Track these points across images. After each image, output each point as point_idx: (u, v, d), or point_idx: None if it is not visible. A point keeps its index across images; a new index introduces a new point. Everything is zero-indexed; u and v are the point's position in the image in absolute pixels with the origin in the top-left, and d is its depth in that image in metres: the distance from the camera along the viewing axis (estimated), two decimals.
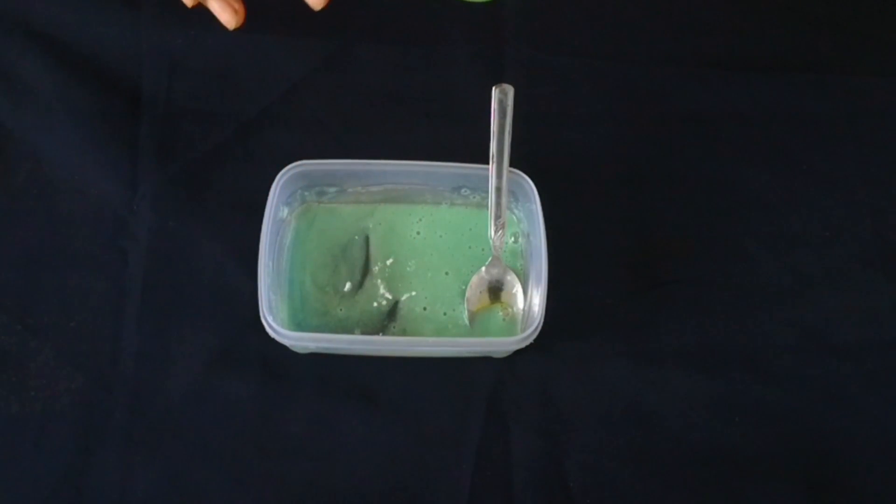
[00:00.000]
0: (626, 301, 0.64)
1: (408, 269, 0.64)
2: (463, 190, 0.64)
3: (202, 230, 0.65)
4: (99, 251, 0.64)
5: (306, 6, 0.72)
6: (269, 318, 0.56)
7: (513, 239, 0.65)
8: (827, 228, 0.67)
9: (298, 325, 0.62)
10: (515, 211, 0.64)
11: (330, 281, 0.63)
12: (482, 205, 0.64)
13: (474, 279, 0.63)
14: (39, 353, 0.61)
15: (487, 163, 0.60)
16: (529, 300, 0.61)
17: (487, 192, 0.60)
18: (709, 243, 0.67)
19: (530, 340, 0.57)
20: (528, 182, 0.60)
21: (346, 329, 0.62)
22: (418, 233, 0.65)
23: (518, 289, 0.62)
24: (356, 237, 0.64)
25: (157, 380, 0.61)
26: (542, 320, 0.57)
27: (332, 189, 0.64)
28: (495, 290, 0.63)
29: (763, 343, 0.64)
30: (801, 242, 0.67)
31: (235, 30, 0.57)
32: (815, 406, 0.62)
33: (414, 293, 0.63)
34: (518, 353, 0.61)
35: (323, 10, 0.53)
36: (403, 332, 0.62)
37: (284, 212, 0.62)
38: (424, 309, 0.63)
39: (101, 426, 0.60)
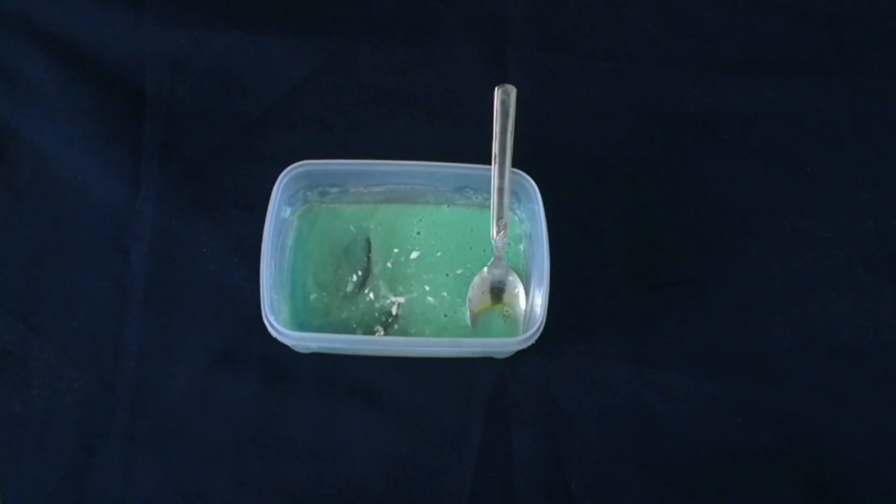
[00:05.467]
0: (628, 302, 0.64)
1: (409, 269, 0.64)
2: (465, 190, 0.64)
3: (204, 230, 0.65)
4: (102, 251, 0.64)
5: (308, 6, 0.72)
6: (271, 318, 0.56)
7: (515, 240, 0.65)
8: (829, 229, 0.67)
9: (300, 325, 0.62)
10: (517, 211, 0.64)
11: (332, 281, 0.63)
12: (484, 205, 0.64)
13: (476, 280, 0.63)
14: (42, 352, 0.61)
15: (490, 163, 0.60)
16: (531, 301, 0.61)
17: (489, 192, 0.60)
18: (710, 244, 0.67)
19: (532, 341, 0.57)
20: (530, 182, 0.60)
21: (347, 329, 0.62)
22: (419, 233, 0.65)
23: (520, 290, 0.62)
24: (358, 238, 0.64)
25: (159, 379, 0.61)
26: (544, 321, 0.57)
27: (335, 189, 0.64)
28: (497, 291, 0.63)
29: (765, 344, 0.64)
30: (802, 243, 0.67)
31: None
32: (817, 407, 0.62)
33: (415, 294, 0.63)
34: (519, 353, 0.62)
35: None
36: (405, 333, 0.62)
37: (287, 212, 0.62)
38: (426, 310, 0.63)
39: (104, 425, 0.60)
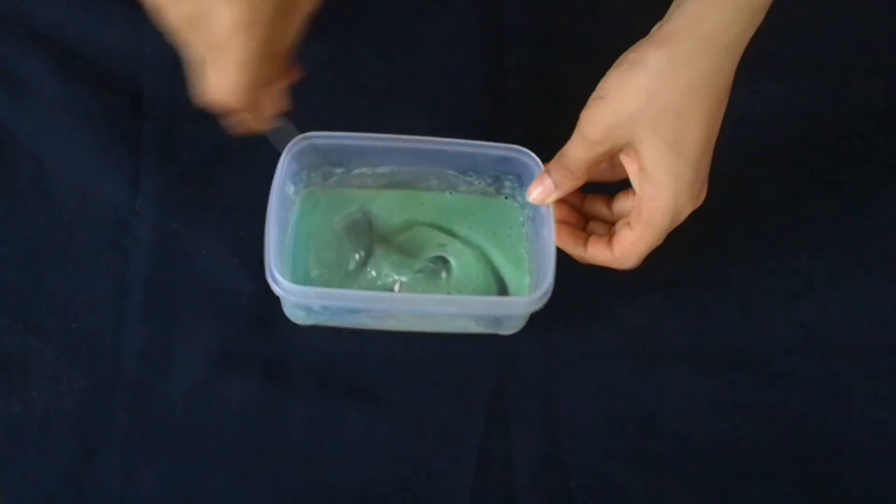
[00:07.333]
0: (628, 302, 0.64)
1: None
2: (469, 174, 0.63)
3: (204, 230, 0.65)
4: (101, 252, 0.64)
5: None
6: (276, 274, 0.54)
7: (517, 225, 0.65)
8: (829, 229, 0.67)
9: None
10: (518, 198, 0.64)
11: (334, 259, 0.63)
12: (486, 192, 0.65)
13: None
14: (41, 354, 0.61)
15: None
16: (537, 270, 0.61)
17: (493, 176, 0.62)
18: (710, 244, 0.67)
19: (541, 304, 0.56)
20: (534, 160, 0.59)
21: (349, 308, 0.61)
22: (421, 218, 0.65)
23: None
24: (360, 218, 0.64)
25: (159, 380, 0.61)
26: (553, 284, 0.56)
27: (338, 170, 0.63)
28: None
29: (765, 344, 0.64)
30: (802, 243, 0.67)
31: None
32: (818, 408, 0.62)
33: (417, 273, 0.63)
34: (520, 353, 0.62)
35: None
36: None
37: (291, 189, 0.62)
38: (427, 289, 0.62)
39: (103, 427, 0.59)
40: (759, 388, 0.63)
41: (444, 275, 0.63)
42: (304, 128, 0.68)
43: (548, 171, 0.57)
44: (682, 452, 0.61)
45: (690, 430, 0.61)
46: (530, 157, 0.60)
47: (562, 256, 0.59)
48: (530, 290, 0.61)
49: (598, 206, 0.61)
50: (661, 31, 0.53)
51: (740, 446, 0.61)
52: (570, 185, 0.57)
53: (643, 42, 0.54)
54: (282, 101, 0.52)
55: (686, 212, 0.55)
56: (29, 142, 0.66)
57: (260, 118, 0.52)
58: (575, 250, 0.59)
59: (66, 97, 0.67)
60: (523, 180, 0.62)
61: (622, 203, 0.59)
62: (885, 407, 0.63)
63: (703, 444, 0.61)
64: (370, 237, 0.63)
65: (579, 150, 0.55)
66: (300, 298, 0.57)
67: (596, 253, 0.58)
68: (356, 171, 0.64)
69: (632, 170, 0.55)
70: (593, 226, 0.61)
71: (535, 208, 0.60)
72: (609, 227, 0.59)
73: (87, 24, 0.69)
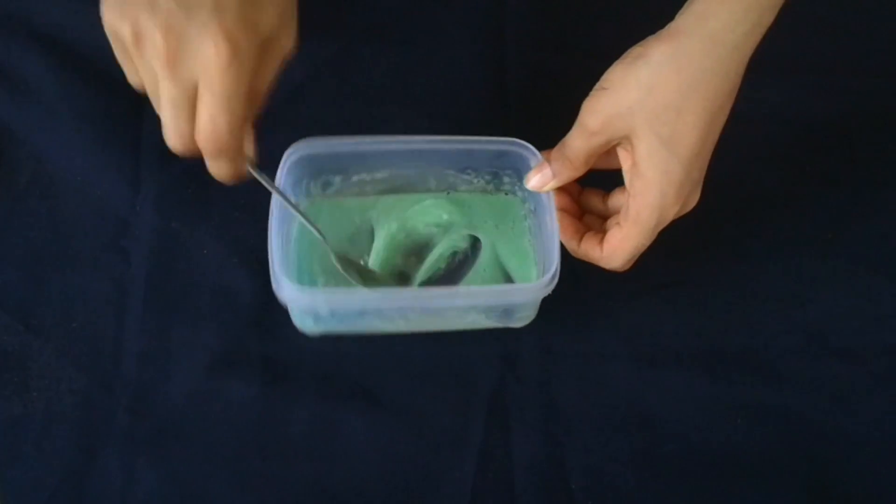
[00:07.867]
0: (628, 302, 0.64)
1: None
2: (468, 171, 0.63)
3: (205, 231, 0.65)
4: (101, 252, 0.64)
5: (307, 8, 0.72)
6: (283, 281, 0.53)
7: (520, 219, 0.65)
8: (829, 230, 0.67)
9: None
10: (519, 192, 0.64)
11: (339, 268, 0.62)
12: (486, 189, 0.65)
13: None
14: (41, 354, 0.61)
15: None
16: (543, 258, 0.60)
17: (492, 172, 0.61)
18: (710, 244, 0.67)
19: (550, 289, 0.56)
20: (531, 151, 0.59)
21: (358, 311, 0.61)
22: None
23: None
24: (362, 227, 0.64)
25: (159, 381, 0.61)
26: (559, 268, 0.56)
27: (337, 178, 0.63)
28: None
29: (765, 345, 0.64)
30: (803, 243, 0.67)
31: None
32: (818, 408, 0.62)
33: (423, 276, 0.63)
34: (520, 353, 0.62)
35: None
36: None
37: (291, 198, 0.62)
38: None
39: (103, 427, 0.60)
40: (759, 388, 0.63)
41: (449, 276, 0.63)
42: (304, 129, 0.68)
43: (547, 160, 0.57)
44: (681, 452, 0.61)
45: (690, 430, 0.61)
46: (527, 149, 0.59)
47: (561, 258, 0.59)
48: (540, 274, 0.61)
49: (594, 200, 0.61)
50: (668, 27, 0.54)
51: (740, 446, 0.61)
52: (568, 174, 0.57)
53: (651, 37, 0.54)
54: (252, 148, 0.52)
55: (672, 212, 0.54)
56: (29, 142, 0.66)
57: (238, 163, 0.52)
58: (570, 243, 0.59)
59: (67, 97, 0.67)
60: (522, 174, 0.62)
61: (616, 199, 0.59)
62: (885, 407, 0.63)
63: (703, 444, 0.61)
64: (373, 244, 0.63)
65: (578, 140, 0.55)
66: (308, 302, 0.56)
67: (587, 249, 0.58)
68: (355, 178, 0.63)
69: (626, 165, 0.55)
70: (589, 219, 0.61)
71: (537, 200, 0.60)
72: (603, 222, 0.59)
73: (87, 24, 0.69)
